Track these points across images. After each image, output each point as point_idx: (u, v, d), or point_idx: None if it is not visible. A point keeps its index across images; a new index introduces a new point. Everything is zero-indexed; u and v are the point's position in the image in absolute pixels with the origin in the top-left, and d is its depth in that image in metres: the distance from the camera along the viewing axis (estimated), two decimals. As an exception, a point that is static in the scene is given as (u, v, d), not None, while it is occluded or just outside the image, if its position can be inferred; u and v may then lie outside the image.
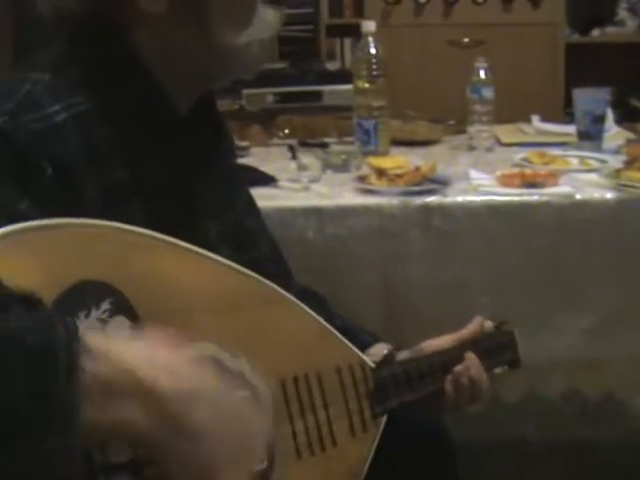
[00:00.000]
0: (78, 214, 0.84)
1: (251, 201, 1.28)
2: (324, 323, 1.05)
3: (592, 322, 1.72)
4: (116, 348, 0.70)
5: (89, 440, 0.68)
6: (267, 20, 1.04)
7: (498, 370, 1.32)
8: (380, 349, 1.24)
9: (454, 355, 1.23)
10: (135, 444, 0.73)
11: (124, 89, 0.98)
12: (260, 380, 0.92)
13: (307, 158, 1.82)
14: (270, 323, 0.97)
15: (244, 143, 2.24)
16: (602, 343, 1.73)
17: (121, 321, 0.80)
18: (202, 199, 1.08)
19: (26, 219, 0.79)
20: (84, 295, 0.78)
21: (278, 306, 0.99)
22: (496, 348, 1.32)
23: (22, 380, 0.63)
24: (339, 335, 1.07)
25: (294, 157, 2.05)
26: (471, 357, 1.23)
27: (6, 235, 0.75)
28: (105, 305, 0.79)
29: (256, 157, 2.18)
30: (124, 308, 0.81)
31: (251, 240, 1.22)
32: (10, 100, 0.89)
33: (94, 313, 0.78)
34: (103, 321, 0.79)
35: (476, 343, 1.27)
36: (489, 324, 1.33)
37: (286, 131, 2.47)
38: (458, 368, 1.21)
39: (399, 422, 1.14)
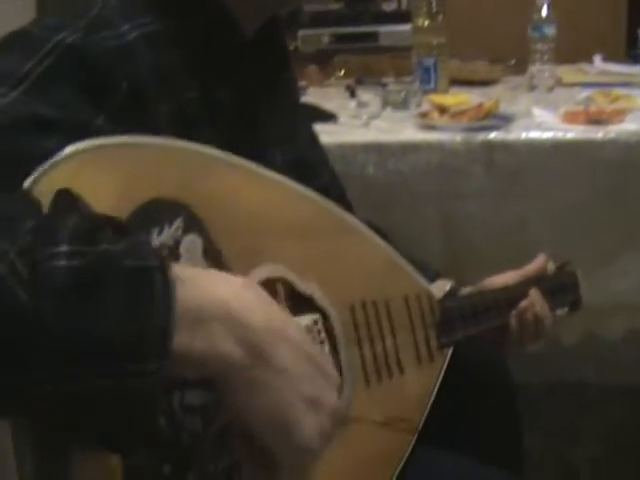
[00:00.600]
0: (151, 133, 0.83)
1: (313, 134, 1.28)
2: (393, 253, 1.04)
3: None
4: (207, 279, 0.71)
5: (176, 368, 0.67)
6: None
7: (559, 311, 1.31)
8: (443, 285, 1.24)
9: (518, 291, 1.22)
10: (216, 378, 0.71)
11: (191, 11, 0.97)
12: (330, 303, 0.92)
13: (366, 95, 1.80)
14: (341, 250, 0.96)
15: (301, 83, 2.23)
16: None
17: (193, 239, 0.80)
18: (267, 126, 1.07)
19: (102, 134, 0.79)
20: (157, 212, 0.77)
21: (350, 234, 0.98)
22: (559, 288, 1.31)
23: (119, 301, 0.63)
24: (407, 266, 1.06)
25: (352, 96, 2.04)
26: (535, 293, 1.22)
27: (83, 151, 0.74)
28: (177, 223, 0.79)
29: (313, 96, 2.16)
30: (196, 227, 0.80)
31: (313, 171, 1.21)
32: (82, 18, 0.87)
33: (167, 230, 0.78)
34: (176, 239, 0.78)
35: (540, 281, 1.25)
36: (551, 265, 1.32)
37: (342, 72, 2.45)
38: (523, 303, 1.20)
39: (463, 359, 1.14)
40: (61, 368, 0.61)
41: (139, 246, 0.68)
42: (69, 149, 0.73)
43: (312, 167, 1.22)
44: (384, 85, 2.19)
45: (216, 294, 0.69)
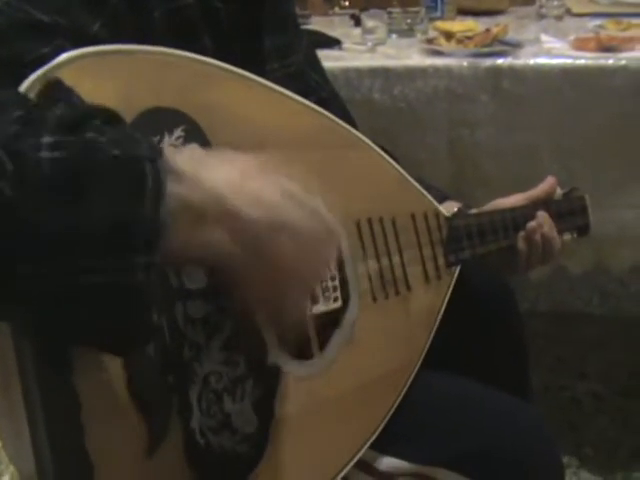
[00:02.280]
0: (148, 40, 0.80)
1: (313, 54, 1.24)
2: (401, 170, 1.02)
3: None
4: (204, 171, 0.67)
5: (172, 262, 0.67)
6: None
7: (567, 236, 1.29)
8: (451, 205, 1.22)
9: (526, 213, 1.20)
10: (216, 269, 0.72)
11: None
12: (334, 218, 0.90)
13: (371, 22, 1.77)
14: (347, 165, 0.94)
15: (305, 12, 2.18)
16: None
17: (194, 149, 0.78)
18: (268, 40, 1.05)
19: (98, 41, 0.76)
20: (157, 121, 0.75)
21: (356, 149, 0.97)
22: (567, 212, 1.29)
23: (105, 191, 0.60)
24: (415, 183, 1.04)
25: (357, 24, 2.00)
26: (543, 215, 1.20)
27: (80, 57, 0.72)
28: (178, 132, 0.77)
29: (318, 25, 2.12)
30: (197, 136, 0.78)
31: (313, 86, 1.19)
32: None
33: (167, 139, 0.76)
34: (176, 147, 0.76)
35: (548, 204, 1.23)
36: (559, 190, 1.29)
37: (347, 1, 2.40)
38: (531, 224, 1.18)
39: (470, 284, 1.13)
40: (45, 261, 0.59)
41: (129, 136, 0.65)
42: (64, 56, 0.71)
43: (312, 84, 1.19)
44: (390, 13, 2.16)
45: (213, 190, 0.66)
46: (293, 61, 1.12)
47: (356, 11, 2.21)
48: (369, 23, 1.76)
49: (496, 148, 1.60)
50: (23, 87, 0.67)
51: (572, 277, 1.74)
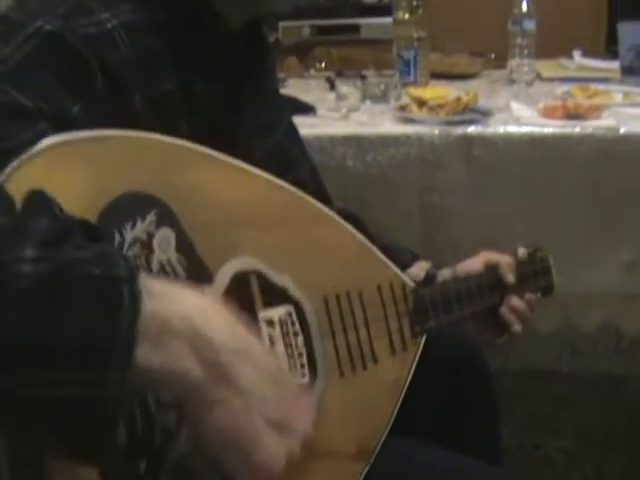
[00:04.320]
0: (127, 122, 0.83)
1: (292, 126, 1.28)
2: (366, 242, 1.05)
3: (630, 256, 1.71)
4: (176, 294, 0.70)
5: (141, 379, 0.67)
6: None
7: (531, 296, 1.32)
8: (421, 268, 1.26)
9: (491, 279, 1.24)
10: (180, 393, 0.71)
11: (173, 2, 0.96)
12: (303, 294, 0.93)
13: (346, 88, 1.81)
14: (315, 241, 0.97)
15: (281, 75, 2.23)
16: (639, 278, 1.73)
17: (167, 233, 0.81)
18: (247, 118, 1.07)
19: (78, 123, 0.79)
20: (130, 206, 0.78)
21: (323, 225, 0.99)
22: (531, 274, 1.33)
23: (83, 309, 0.63)
24: (381, 255, 1.07)
25: (332, 88, 2.04)
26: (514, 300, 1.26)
27: (56, 145, 0.74)
28: (150, 217, 0.79)
29: (293, 88, 2.17)
30: (169, 220, 0.80)
31: (292, 163, 1.22)
32: (60, 6, 0.87)
33: (140, 224, 0.78)
34: (149, 233, 0.79)
35: (512, 268, 1.27)
36: (523, 251, 1.33)
37: (323, 64, 2.45)
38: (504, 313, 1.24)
39: (438, 347, 1.15)
40: (22, 372, 0.62)
41: (109, 254, 0.68)
42: (42, 144, 0.73)
43: (291, 159, 1.23)
44: (364, 77, 2.20)
45: (182, 311, 0.68)
46: (273, 138, 1.16)
47: (332, 73, 2.27)
48: (343, 89, 1.80)
49: (466, 213, 1.64)
50: (0, 178, 0.70)
51: (541, 335, 1.77)
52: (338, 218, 1.01)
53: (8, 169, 0.71)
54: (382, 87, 1.88)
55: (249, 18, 1.06)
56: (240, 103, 1.06)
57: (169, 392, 0.71)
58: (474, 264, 1.26)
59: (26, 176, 0.71)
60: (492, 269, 1.25)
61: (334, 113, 1.72)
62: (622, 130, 1.68)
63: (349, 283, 1.00)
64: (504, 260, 1.27)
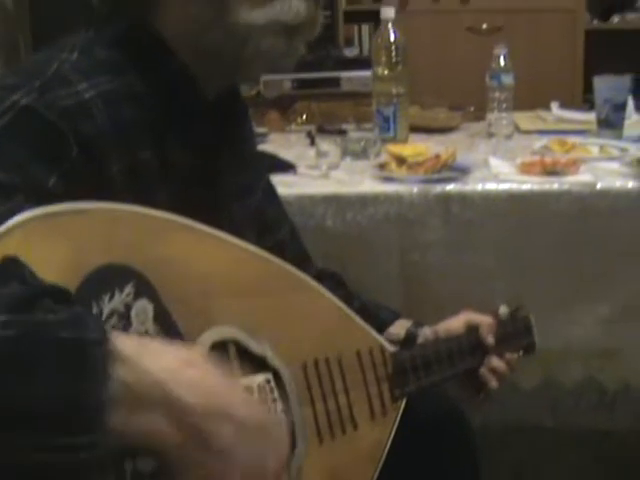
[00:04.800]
0: (103, 193, 0.84)
1: (270, 187, 1.29)
2: (345, 308, 1.06)
3: (610, 312, 1.72)
4: (147, 356, 0.70)
5: (114, 446, 0.67)
6: (293, 5, 0.98)
7: (513, 355, 1.33)
8: (401, 326, 1.26)
9: (472, 340, 1.25)
10: (160, 455, 0.72)
11: (151, 71, 0.98)
12: (282, 362, 0.93)
13: (326, 145, 1.82)
14: (292, 308, 0.98)
15: (262, 129, 2.24)
16: (619, 332, 1.73)
17: (144, 305, 0.81)
18: (226, 182, 1.08)
19: (54, 196, 0.80)
20: (108, 278, 0.78)
21: (300, 291, 1.00)
22: (512, 333, 1.33)
23: (52, 373, 0.64)
24: (359, 320, 1.07)
25: (312, 144, 2.06)
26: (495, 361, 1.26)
27: (32, 219, 0.75)
28: (128, 288, 0.79)
29: (274, 143, 2.18)
30: (147, 291, 0.81)
31: (272, 224, 1.23)
32: (38, 78, 0.88)
33: (117, 296, 0.78)
34: (126, 305, 0.79)
35: (494, 329, 1.28)
36: (505, 310, 1.34)
37: (304, 117, 2.47)
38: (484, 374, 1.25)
39: (417, 406, 1.15)
40: None
41: (79, 317, 0.68)
42: (17, 218, 0.74)
43: (270, 221, 1.23)
44: (344, 132, 2.22)
45: (155, 375, 0.69)
46: (252, 200, 1.16)
47: (312, 127, 2.28)
48: (323, 146, 1.81)
49: (446, 271, 1.65)
50: None
51: (524, 392, 1.77)
52: (316, 284, 1.02)
53: None
54: (362, 144, 1.90)
55: (226, 86, 1.07)
56: (218, 167, 1.07)
57: (147, 453, 0.71)
58: (455, 324, 1.26)
59: (1, 250, 0.71)
60: (473, 331, 1.26)
61: (314, 171, 1.73)
62: (599, 185, 1.70)
63: (328, 349, 1.00)
64: (485, 321, 1.28)
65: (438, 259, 1.64)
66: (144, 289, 0.81)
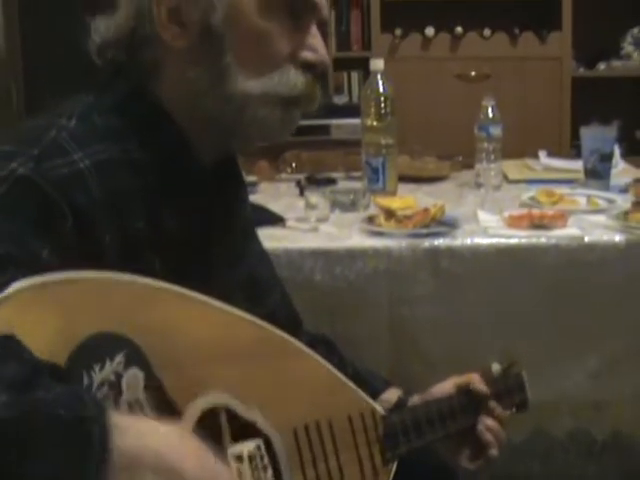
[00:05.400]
0: (97, 262, 0.85)
1: (262, 250, 1.29)
2: (336, 372, 1.06)
3: (599, 363, 1.72)
4: (145, 429, 0.73)
5: None
6: (290, 78, 1.00)
7: (506, 412, 1.32)
8: (392, 395, 1.26)
9: (462, 401, 1.24)
10: None
11: (148, 137, 0.99)
12: (273, 428, 0.93)
13: (315, 198, 1.83)
14: (283, 374, 0.98)
15: (252, 178, 2.25)
16: (609, 384, 1.73)
17: (135, 373, 0.81)
18: (218, 249, 1.09)
19: (47, 266, 0.81)
20: (99, 347, 0.79)
21: (291, 357, 1.00)
22: (505, 391, 1.33)
23: (54, 451, 0.66)
24: (351, 383, 1.08)
25: (302, 194, 2.07)
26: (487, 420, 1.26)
27: (25, 289, 0.76)
28: (119, 357, 0.80)
29: (264, 194, 2.20)
30: (138, 360, 0.81)
31: (264, 289, 1.24)
32: (36, 146, 0.90)
33: (108, 366, 0.79)
34: (117, 374, 0.80)
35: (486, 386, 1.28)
36: (497, 367, 1.33)
37: (293, 165, 2.49)
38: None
39: (407, 463, 1.15)
40: None
41: (76, 395, 0.70)
42: (11, 289, 0.75)
43: (262, 286, 1.24)
44: (334, 181, 2.24)
45: (152, 445, 0.72)
46: (244, 267, 1.17)
47: (302, 177, 2.30)
48: (312, 199, 1.82)
49: (436, 325, 1.65)
50: None
51: (513, 444, 1.77)
52: (307, 349, 1.02)
53: None
54: (351, 196, 1.91)
55: (222, 153, 1.08)
56: (211, 235, 1.07)
57: None
58: (445, 387, 1.27)
59: None
60: (463, 389, 1.26)
61: (303, 225, 1.74)
62: (586, 239, 1.71)
63: (319, 414, 1.00)
64: (474, 377, 1.28)
65: (427, 313, 1.64)
66: (135, 357, 0.81)
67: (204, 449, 0.77)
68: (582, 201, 2.04)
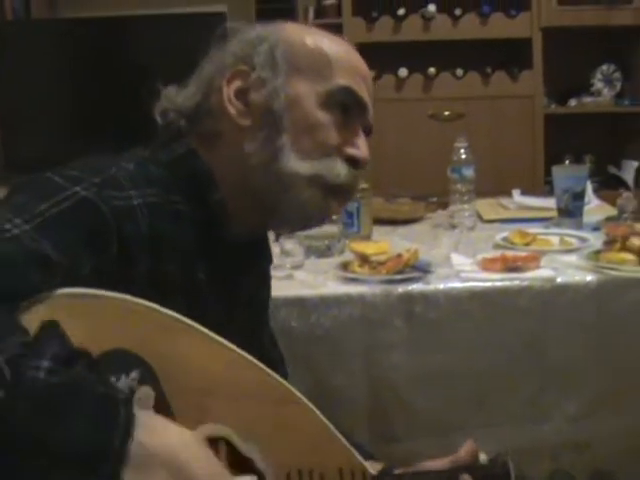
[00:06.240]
0: (127, 290, 0.91)
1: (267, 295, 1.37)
2: (331, 426, 1.06)
3: (577, 405, 1.72)
4: (163, 428, 0.80)
5: None
6: (337, 167, 1.10)
7: None
8: (376, 465, 1.26)
9: (450, 476, 1.23)
10: None
11: (194, 197, 1.08)
12: (268, 467, 0.96)
13: (290, 244, 1.83)
14: (282, 418, 1.00)
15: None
16: (588, 426, 1.74)
17: (147, 391, 0.87)
18: (237, 291, 1.18)
19: (86, 281, 0.89)
20: (117, 361, 0.85)
21: (291, 404, 1.02)
22: (490, 477, 1.32)
23: (83, 420, 0.72)
24: (344, 440, 1.08)
25: (278, 239, 2.07)
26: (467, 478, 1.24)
27: (61, 296, 0.85)
28: (134, 374, 0.86)
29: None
30: (150, 379, 0.87)
31: (261, 334, 1.33)
32: (98, 176, 0.99)
33: (124, 379, 0.85)
34: (131, 389, 0.85)
35: (472, 469, 1.27)
36: (484, 456, 1.33)
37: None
38: None
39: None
40: (19, 464, 0.70)
41: (109, 379, 0.81)
42: (49, 293, 0.84)
43: (261, 329, 1.33)
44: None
45: (168, 443, 0.78)
46: (258, 336, 1.28)
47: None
48: (288, 245, 1.83)
49: (411, 370, 1.64)
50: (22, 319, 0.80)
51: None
52: (306, 401, 1.03)
53: (21, 307, 0.81)
54: (326, 242, 1.92)
55: (258, 230, 1.20)
56: (235, 293, 1.17)
57: None
58: (433, 464, 1.26)
59: (32, 316, 0.81)
60: (452, 467, 1.25)
61: (278, 272, 1.74)
62: (559, 280, 1.72)
63: (312, 462, 1.02)
64: (465, 457, 1.28)
65: (402, 359, 1.64)
66: (149, 377, 0.87)
67: (214, 456, 0.83)
68: (555, 240, 2.06)
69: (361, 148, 1.13)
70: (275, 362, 1.29)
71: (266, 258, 1.29)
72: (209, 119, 1.12)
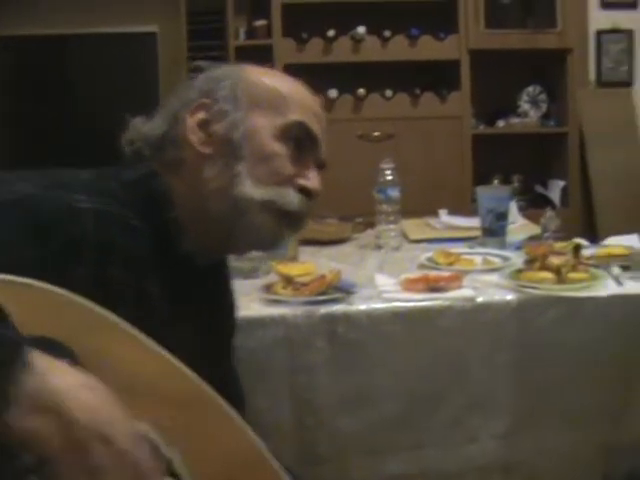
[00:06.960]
0: (66, 285, 0.91)
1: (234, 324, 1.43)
2: (262, 447, 1.05)
3: (503, 424, 1.74)
4: (56, 372, 0.79)
5: (7, 436, 0.76)
6: (289, 196, 1.17)
7: None
8: None
9: None
10: (43, 457, 0.78)
11: (149, 214, 1.13)
12: (187, 474, 0.95)
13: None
14: (209, 428, 0.99)
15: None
16: (517, 445, 1.76)
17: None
18: (186, 318, 1.19)
19: (27, 270, 0.90)
20: (45, 347, 0.83)
21: (220, 416, 1.00)
22: None
23: None
24: (276, 465, 1.07)
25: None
26: None
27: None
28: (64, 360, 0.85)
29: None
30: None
31: (220, 362, 1.36)
32: (49, 179, 1.06)
33: None
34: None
35: None
36: None
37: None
38: None
39: None
40: None
41: (4, 320, 0.81)
42: None
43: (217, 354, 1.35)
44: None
45: (56, 388, 0.78)
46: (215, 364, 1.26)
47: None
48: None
49: (333, 392, 1.65)
50: None
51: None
52: (235, 414, 1.03)
53: None
54: (252, 263, 1.92)
55: (214, 255, 1.25)
56: (185, 308, 1.19)
57: (33, 454, 0.78)
58: None
59: None
60: None
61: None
62: (479, 299, 1.74)
63: (238, 477, 1.01)
64: None
65: (325, 380, 1.64)
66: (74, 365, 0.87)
67: (108, 402, 0.81)
68: (478, 260, 2.08)
69: (312, 180, 1.20)
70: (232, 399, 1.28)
71: (223, 283, 1.35)
72: (173, 148, 1.18)
